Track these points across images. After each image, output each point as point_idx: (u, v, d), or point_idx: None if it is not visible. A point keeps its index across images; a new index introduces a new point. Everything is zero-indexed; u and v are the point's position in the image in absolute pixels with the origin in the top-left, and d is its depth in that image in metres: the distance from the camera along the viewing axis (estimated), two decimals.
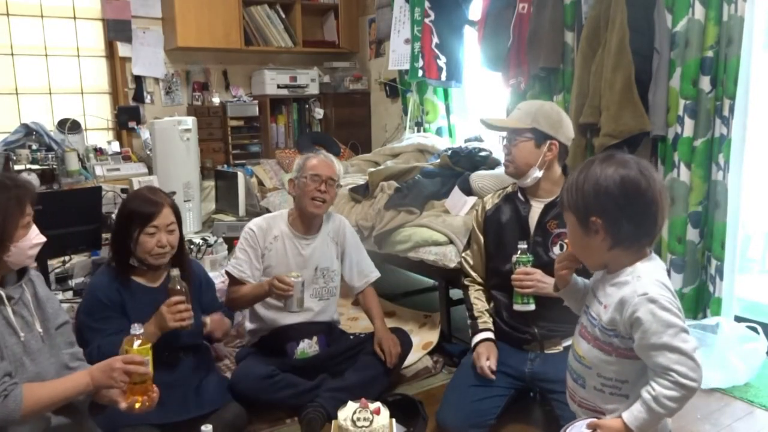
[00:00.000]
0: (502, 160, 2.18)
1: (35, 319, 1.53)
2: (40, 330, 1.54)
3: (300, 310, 2.26)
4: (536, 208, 2.10)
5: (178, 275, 1.91)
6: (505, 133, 2.15)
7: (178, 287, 1.91)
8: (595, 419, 1.39)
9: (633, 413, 1.32)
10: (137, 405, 1.50)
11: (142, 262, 2.00)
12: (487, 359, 2.07)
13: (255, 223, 2.44)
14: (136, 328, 1.54)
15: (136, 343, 1.52)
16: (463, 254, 2.34)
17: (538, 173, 2.08)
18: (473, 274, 2.28)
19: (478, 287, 2.27)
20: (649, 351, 1.29)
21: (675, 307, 1.29)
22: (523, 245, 2.00)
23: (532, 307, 1.99)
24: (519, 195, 2.15)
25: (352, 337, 2.49)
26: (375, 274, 2.58)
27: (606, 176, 1.32)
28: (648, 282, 1.31)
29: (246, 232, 2.41)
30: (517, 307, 2.01)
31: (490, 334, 2.16)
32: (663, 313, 1.27)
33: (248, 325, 2.48)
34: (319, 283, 2.43)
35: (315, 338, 2.38)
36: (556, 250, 2.06)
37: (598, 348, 1.39)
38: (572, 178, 1.39)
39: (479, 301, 2.23)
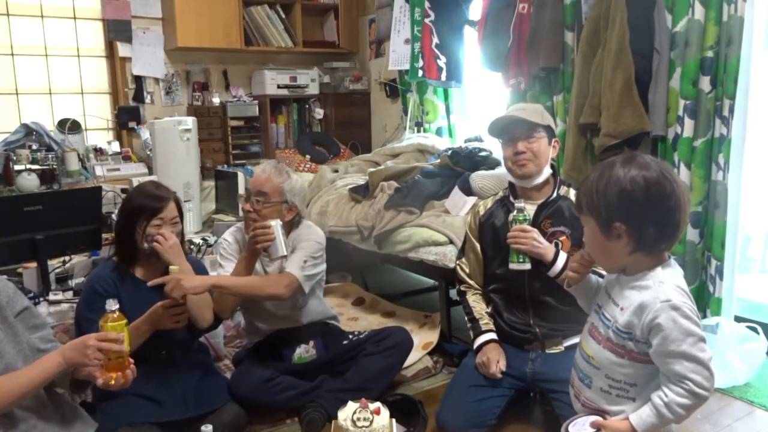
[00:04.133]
0: (516, 160, 2.07)
1: None
2: None
3: (287, 255, 2.17)
4: (529, 209, 2.10)
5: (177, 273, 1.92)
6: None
7: None
8: (599, 418, 1.39)
9: (641, 417, 1.31)
10: (112, 381, 1.48)
11: (146, 253, 2.03)
12: (497, 363, 2.07)
13: (230, 233, 2.40)
14: (111, 304, 1.53)
15: (111, 319, 1.52)
16: (458, 262, 2.34)
17: (549, 171, 2.09)
18: (470, 281, 2.28)
19: (475, 291, 2.27)
20: (666, 358, 1.28)
21: (695, 315, 1.29)
22: (519, 204, 2.00)
23: (528, 265, 1.98)
24: (511, 198, 2.15)
25: (351, 336, 2.48)
26: (288, 267, 2.24)
27: (630, 180, 1.29)
28: (670, 288, 1.30)
29: (222, 243, 2.38)
30: (513, 265, 1.99)
31: (494, 335, 2.16)
32: (684, 321, 1.27)
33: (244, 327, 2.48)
34: None
35: (311, 342, 2.36)
36: None
37: (609, 350, 1.38)
38: (591, 182, 1.35)
39: (478, 304, 2.24)
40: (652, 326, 1.29)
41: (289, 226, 2.33)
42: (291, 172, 2.32)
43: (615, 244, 1.33)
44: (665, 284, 1.31)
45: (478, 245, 2.23)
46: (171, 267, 1.92)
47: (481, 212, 2.24)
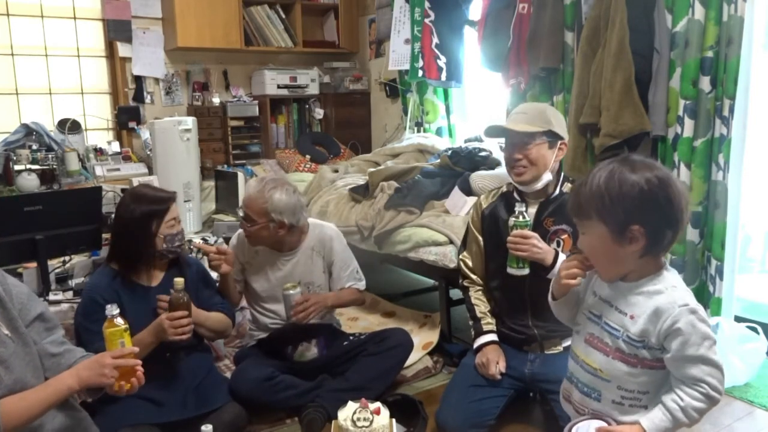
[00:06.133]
0: (513, 167, 2.06)
1: (0, 325, 1.43)
2: (8, 333, 1.43)
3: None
4: (532, 206, 2.09)
5: (182, 285, 1.90)
6: (502, 140, 2.12)
7: (182, 299, 1.90)
8: (604, 424, 1.36)
9: (654, 421, 1.30)
10: (127, 387, 1.49)
11: (162, 254, 2.02)
12: (497, 364, 2.07)
13: (241, 233, 2.40)
14: (111, 309, 1.53)
15: (115, 322, 1.52)
16: (461, 256, 2.33)
17: (549, 176, 2.05)
18: (472, 275, 2.27)
19: (477, 288, 2.26)
20: (683, 362, 1.28)
21: (708, 317, 1.30)
22: (520, 208, 1.97)
23: (526, 271, 1.95)
24: (515, 194, 2.14)
25: (352, 337, 2.48)
26: (354, 284, 2.46)
27: (646, 181, 1.26)
28: (684, 292, 1.30)
29: (233, 240, 2.40)
30: (511, 270, 1.96)
31: (495, 337, 2.16)
32: (701, 325, 1.27)
33: (249, 325, 2.49)
34: None
35: (314, 341, 2.36)
36: (554, 247, 2.06)
37: (621, 360, 1.36)
38: (597, 186, 1.29)
39: (480, 302, 2.23)
40: (671, 331, 1.27)
41: (293, 235, 2.34)
42: (274, 190, 2.23)
43: (627, 248, 1.29)
44: (679, 288, 1.30)
45: (481, 238, 2.22)
46: (176, 279, 1.90)
47: (484, 205, 2.23)
